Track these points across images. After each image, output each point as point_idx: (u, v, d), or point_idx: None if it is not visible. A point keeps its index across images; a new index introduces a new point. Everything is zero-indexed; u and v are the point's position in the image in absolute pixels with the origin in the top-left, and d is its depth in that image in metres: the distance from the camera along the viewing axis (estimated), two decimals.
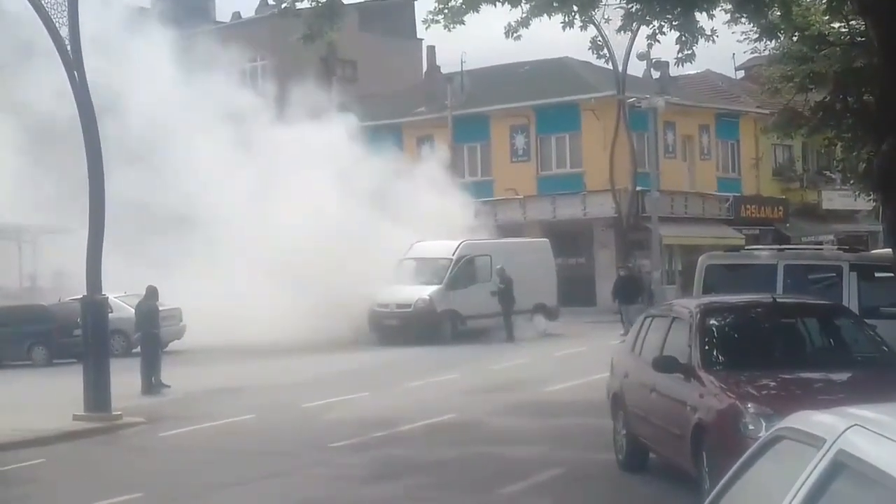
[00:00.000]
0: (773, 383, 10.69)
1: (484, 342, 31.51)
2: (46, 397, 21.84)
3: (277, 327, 29.83)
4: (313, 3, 16.64)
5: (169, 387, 22.99)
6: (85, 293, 19.29)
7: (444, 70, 52.46)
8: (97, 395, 18.58)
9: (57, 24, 18.33)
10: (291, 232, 32.41)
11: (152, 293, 24.01)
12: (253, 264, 31.76)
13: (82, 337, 19.86)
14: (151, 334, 23.57)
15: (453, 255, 34.05)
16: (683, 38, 18.29)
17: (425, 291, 33.13)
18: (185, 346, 31.26)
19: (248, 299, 30.84)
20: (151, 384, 22.89)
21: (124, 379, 20.77)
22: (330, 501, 12.40)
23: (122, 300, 28.75)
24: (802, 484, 3.36)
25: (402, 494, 12.46)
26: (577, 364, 24.61)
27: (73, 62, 18.46)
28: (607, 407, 13.79)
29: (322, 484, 13.28)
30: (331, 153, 35.35)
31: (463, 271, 33.97)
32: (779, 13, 18.54)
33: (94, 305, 19.12)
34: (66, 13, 18.30)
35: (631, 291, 34.79)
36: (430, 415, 17.89)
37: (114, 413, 18.71)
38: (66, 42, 18.37)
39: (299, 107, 35.81)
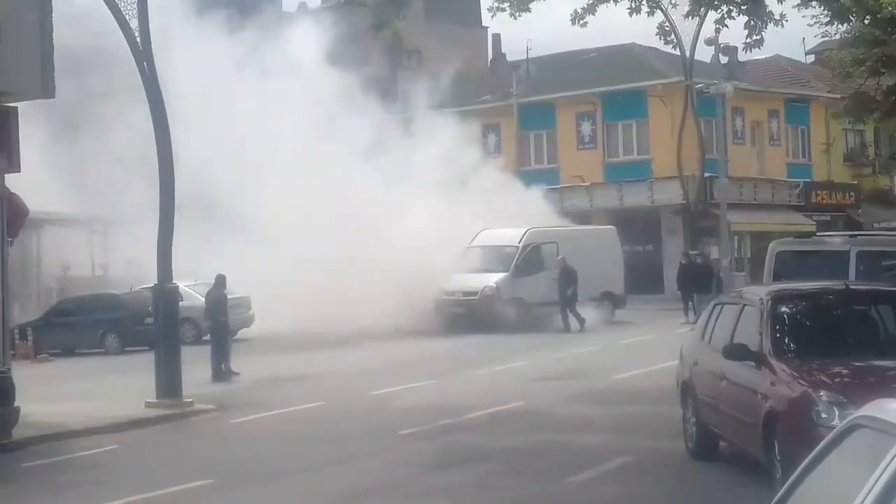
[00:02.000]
0: (845, 371, 10.55)
1: (550, 330, 31.43)
2: (119, 384, 22.18)
3: (345, 316, 29.97)
4: None
5: (239, 374, 23.21)
6: (156, 282, 19.55)
7: (509, 58, 52.31)
8: (168, 382, 18.82)
9: (126, 16, 18.54)
10: (357, 220, 32.56)
11: (221, 281, 24.23)
12: (319, 253, 31.89)
13: (154, 325, 20.13)
14: (221, 322, 23.80)
15: (519, 242, 33.98)
16: (752, 23, 18.13)
17: (492, 279, 33.10)
18: (253, 334, 31.53)
19: (315, 288, 31.00)
20: (221, 372, 23.14)
21: (195, 367, 21.02)
22: (398, 488, 12.45)
23: (191, 288, 29.07)
24: (881, 473, 3.30)
25: (470, 482, 12.47)
26: (645, 352, 24.47)
27: (142, 54, 18.68)
28: (676, 395, 13.69)
29: (390, 470, 13.34)
30: (394, 141, 35.45)
31: (529, 259, 33.88)
32: None
33: (165, 294, 19.36)
34: (135, 5, 18.52)
35: (692, 279, 34.45)
36: (498, 402, 17.89)
37: (185, 400, 18.94)
38: (136, 34, 18.58)
39: (364, 94, 35.90)
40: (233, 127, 33.65)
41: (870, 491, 3.31)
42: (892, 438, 3.38)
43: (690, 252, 38.15)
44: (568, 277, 31.90)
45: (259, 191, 33.48)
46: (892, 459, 3.30)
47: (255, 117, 34.21)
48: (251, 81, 34.62)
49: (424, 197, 34.00)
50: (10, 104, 16.45)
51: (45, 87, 16.57)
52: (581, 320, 31.61)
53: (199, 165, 29.53)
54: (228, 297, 24.69)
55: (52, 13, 16.72)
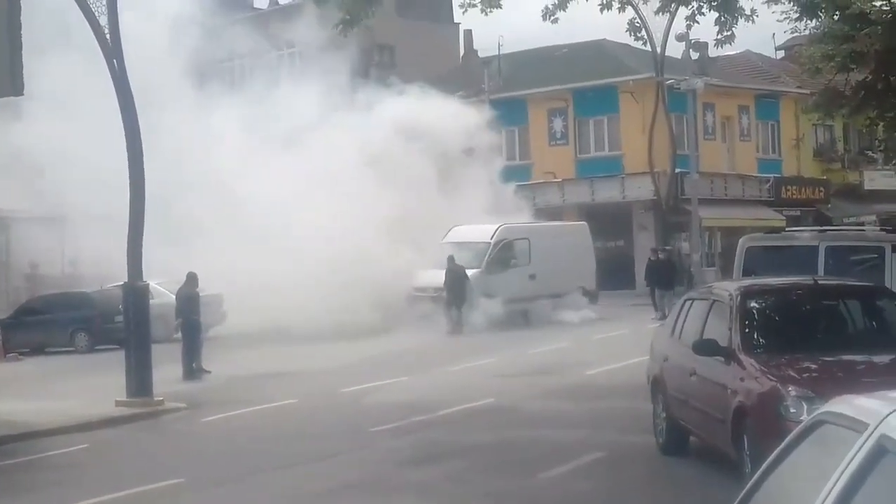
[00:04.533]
0: (814, 366, 10.62)
1: (522, 326, 31.46)
2: (89, 383, 22.06)
3: (316, 313, 29.85)
4: None
5: (210, 372, 23.13)
6: (126, 279, 19.45)
7: (481, 54, 52.32)
8: (139, 380, 18.75)
9: (96, 13, 18.44)
10: (328, 217, 32.45)
11: (192, 279, 24.12)
12: (290, 250, 31.78)
13: (124, 323, 20.03)
14: (192, 320, 23.69)
15: (491, 238, 33.96)
16: (723, 19, 18.21)
17: None
18: (225, 331, 31.39)
19: (287, 285, 30.88)
20: (192, 370, 23.05)
21: (166, 365, 20.95)
22: (371, 485, 12.45)
23: (162, 286, 28.88)
24: (844, 468, 3.33)
25: (443, 478, 12.49)
26: (617, 347, 24.55)
27: (112, 51, 18.57)
28: (647, 390, 13.75)
29: (363, 467, 13.33)
30: (367, 138, 35.35)
31: (501, 255, 33.89)
32: None
33: (136, 292, 19.28)
34: (105, 2, 18.40)
35: (662, 276, 34.57)
36: (470, 399, 17.92)
37: (156, 399, 18.87)
38: (106, 31, 18.47)
39: (336, 92, 35.79)
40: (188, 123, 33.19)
41: (834, 485, 3.35)
42: (855, 434, 3.42)
43: (665, 248, 38.38)
44: (454, 278, 31.33)
45: (230, 189, 33.30)
46: (854, 454, 3.33)
47: (229, 118, 34.02)
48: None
49: (396, 193, 33.89)
50: None
51: (13, 85, 16.44)
52: (459, 325, 30.88)
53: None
54: (200, 294, 24.58)
55: (20, 9, 16.58)
